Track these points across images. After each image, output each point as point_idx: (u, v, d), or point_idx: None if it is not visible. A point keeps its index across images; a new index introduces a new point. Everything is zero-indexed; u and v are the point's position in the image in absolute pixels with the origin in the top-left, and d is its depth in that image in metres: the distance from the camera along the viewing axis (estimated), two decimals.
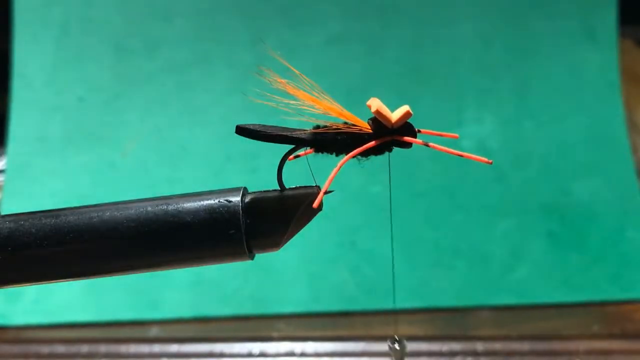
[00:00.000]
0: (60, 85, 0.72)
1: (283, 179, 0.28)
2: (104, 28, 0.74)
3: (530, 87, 0.73)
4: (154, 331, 0.57)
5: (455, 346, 0.54)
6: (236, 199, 0.27)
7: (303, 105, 0.28)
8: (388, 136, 0.28)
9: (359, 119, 0.28)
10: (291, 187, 0.28)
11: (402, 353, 0.32)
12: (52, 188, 0.67)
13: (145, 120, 0.70)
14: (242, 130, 0.28)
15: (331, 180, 0.26)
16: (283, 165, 0.28)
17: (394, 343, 0.32)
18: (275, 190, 0.28)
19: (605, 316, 0.56)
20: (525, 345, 0.53)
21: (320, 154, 0.28)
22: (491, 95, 0.72)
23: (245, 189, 0.28)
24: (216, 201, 0.27)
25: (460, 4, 0.75)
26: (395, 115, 0.27)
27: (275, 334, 0.56)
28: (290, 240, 0.28)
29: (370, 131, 0.28)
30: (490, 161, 0.28)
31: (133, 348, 0.55)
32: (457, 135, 0.30)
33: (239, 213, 0.27)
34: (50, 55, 0.73)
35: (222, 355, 0.55)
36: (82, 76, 0.73)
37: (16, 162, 0.69)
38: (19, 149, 0.70)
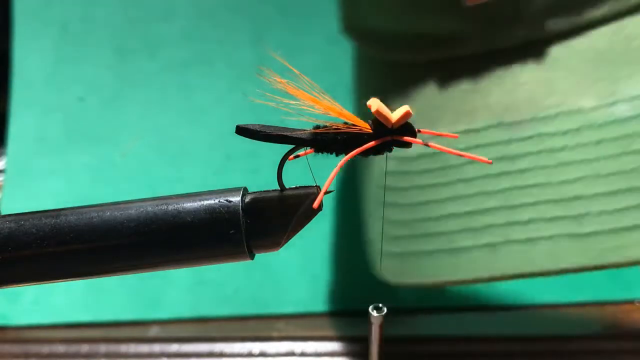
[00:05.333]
0: (60, 85, 0.72)
1: (283, 179, 0.28)
2: (104, 28, 0.74)
3: None
4: (153, 331, 0.57)
5: (456, 346, 0.54)
6: (236, 199, 0.27)
7: (303, 105, 0.28)
8: (388, 136, 0.28)
9: (359, 119, 0.28)
10: (291, 187, 0.28)
11: (381, 319, 0.32)
12: (52, 188, 0.67)
13: (145, 120, 0.70)
14: (242, 130, 0.28)
15: (331, 180, 0.26)
16: (283, 165, 0.28)
17: (374, 310, 0.32)
18: (275, 190, 0.28)
19: (605, 316, 0.56)
20: (525, 345, 0.53)
21: (320, 154, 0.28)
22: None
23: (245, 189, 0.28)
24: (216, 201, 0.27)
25: None
26: (395, 115, 0.28)
27: (275, 334, 0.56)
28: (290, 240, 0.28)
29: (370, 131, 0.28)
30: (490, 161, 0.28)
31: (133, 348, 0.55)
32: (457, 135, 0.30)
33: (239, 213, 0.27)
34: (50, 55, 0.73)
35: (222, 355, 0.55)
36: (82, 76, 0.72)
37: (16, 162, 0.69)
38: (18, 149, 0.70)
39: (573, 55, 0.43)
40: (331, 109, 0.28)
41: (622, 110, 0.40)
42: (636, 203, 0.37)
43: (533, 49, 0.43)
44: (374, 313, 0.32)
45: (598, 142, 0.39)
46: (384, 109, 0.27)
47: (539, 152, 0.40)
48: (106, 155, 0.69)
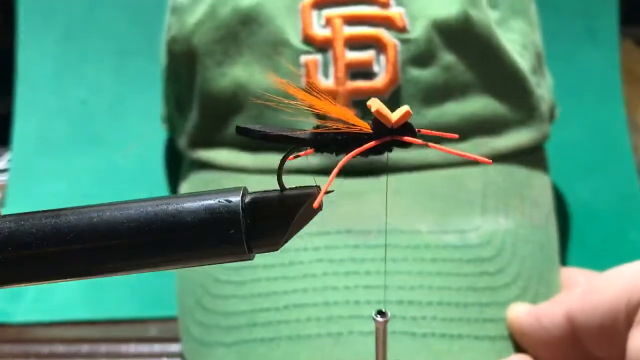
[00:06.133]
0: (62, 88, 0.73)
1: (283, 179, 0.28)
2: (106, 31, 0.74)
3: None
4: (153, 331, 0.57)
5: None
6: (236, 199, 0.27)
7: (303, 106, 0.28)
8: (388, 136, 0.28)
9: (359, 119, 0.28)
10: (291, 187, 0.28)
11: (385, 324, 0.32)
12: (55, 190, 0.68)
13: (147, 123, 0.70)
14: (242, 131, 0.28)
15: (331, 180, 0.26)
16: (283, 166, 0.28)
17: (377, 315, 0.32)
18: (275, 190, 0.28)
19: None
20: None
21: (320, 154, 0.28)
22: None
23: (245, 188, 0.28)
24: (216, 201, 0.27)
25: None
26: (395, 115, 0.28)
27: None
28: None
29: (370, 131, 0.28)
30: (490, 161, 0.28)
31: (133, 348, 0.55)
32: (457, 135, 0.30)
33: (239, 213, 0.27)
34: (53, 59, 0.74)
35: None
36: (84, 79, 0.73)
37: (20, 164, 0.69)
38: (22, 151, 0.70)
39: (412, 187, 0.50)
40: (331, 109, 0.28)
41: (451, 238, 0.47)
42: (459, 316, 0.44)
43: (378, 175, 0.50)
44: (378, 318, 0.33)
45: (433, 260, 0.46)
46: (384, 109, 0.27)
47: (383, 259, 0.46)
48: (109, 157, 0.69)
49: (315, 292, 0.45)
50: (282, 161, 0.28)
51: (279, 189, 0.28)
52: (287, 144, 0.28)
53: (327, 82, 0.49)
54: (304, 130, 0.28)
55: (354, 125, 0.28)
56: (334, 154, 0.28)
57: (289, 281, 0.46)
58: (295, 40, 0.50)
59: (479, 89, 0.52)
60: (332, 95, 0.49)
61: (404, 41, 0.50)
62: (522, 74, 0.53)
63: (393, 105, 0.49)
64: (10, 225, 0.26)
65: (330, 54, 0.50)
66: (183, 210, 0.27)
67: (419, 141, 0.28)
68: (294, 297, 0.45)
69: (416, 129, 0.28)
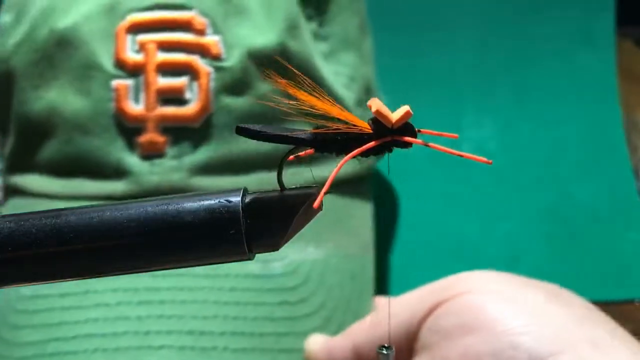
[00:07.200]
0: None
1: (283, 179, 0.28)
2: None
3: (528, 90, 0.73)
4: None
5: None
6: (236, 199, 0.27)
7: (303, 106, 0.28)
8: (388, 136, 0.28)
9: (359, 119, 0.28)
10: (291, 187, 0.28)
11: (391, 358, 0.33)
12: None
13: None
14: (242, 130, 0.28)
15: (332, 180, 0.26)
16: (283, 165, 0.28)
17: (381, 349, 0.33)
18: (275, 190, 0.28)
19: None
20: None
21: (320, 154, 0.28)
22: (490, 100, 0.72)
23: (245, 189, 0.28)
24: (216, 201, 0.27)
25: (458, 9, 0.75)
26: (395, 116, 0.28)
27: None
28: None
29: (371, 131, 0.28)
30: (490, 161, 0.28)
31: None
32: (456, 135, 0.30)
33: (239, 213, 0.27)
34: None
35: None
36: None
37: None
38: None
39: None
40: (331, 109, 0.28)
41: (254, 267, 0.47)
42: (253, 346, 0.44)
43: None
44: (383, 351, 0.33)
45: (231, 289, 0.46)
46: (385, 109, 0.27)
47: (182, 288, 0.45)
48: None
49: (105, 322, 0.44)
50: (282, 161, 0.28)
51: (279, 188, 0.28)
52: (288, 144, 0.28)
53: (137, 107, 0.49)
54: (304, 130, 0.28)
55: (354, 125, 0.28)
56: (334, 154, 0.28)
57: (81, 310, 0.45)
58: (108, 64, 0.50)
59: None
60: (141, 120, 0.49)
61: (219, 69, 0.49)
62: (344, 106, 0.52)
63: (204, 133, 0.49)
64: (10, 225, 0.26)
65: (142, 79, 0.49)
66: (183, 210, 0.27)
67: (420, 141, 0.28)
68: (84, 327, 0.44)
69: (416, 129, 0.28)
